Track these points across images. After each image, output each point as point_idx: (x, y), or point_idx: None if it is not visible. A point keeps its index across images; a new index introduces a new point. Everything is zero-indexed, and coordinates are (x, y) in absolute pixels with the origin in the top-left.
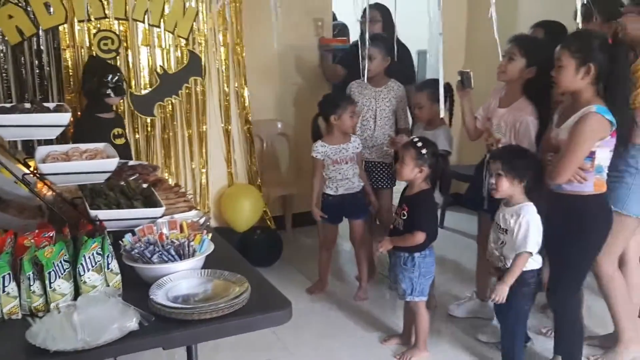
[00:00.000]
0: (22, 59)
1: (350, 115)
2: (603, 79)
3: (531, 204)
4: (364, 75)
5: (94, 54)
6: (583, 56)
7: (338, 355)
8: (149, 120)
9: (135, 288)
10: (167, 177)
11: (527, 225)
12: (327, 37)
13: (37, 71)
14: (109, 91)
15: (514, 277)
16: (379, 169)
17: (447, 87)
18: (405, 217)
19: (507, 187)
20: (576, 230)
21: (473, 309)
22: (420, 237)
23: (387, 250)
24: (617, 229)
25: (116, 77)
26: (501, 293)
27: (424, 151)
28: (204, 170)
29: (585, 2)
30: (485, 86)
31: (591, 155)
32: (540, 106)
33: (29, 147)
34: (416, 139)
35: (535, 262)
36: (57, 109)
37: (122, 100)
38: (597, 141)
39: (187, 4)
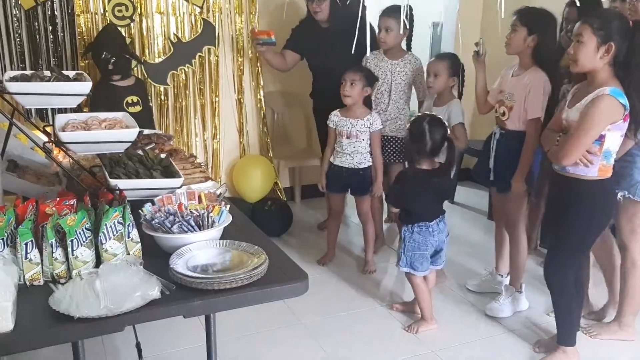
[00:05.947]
0: (36, 24)
1: (341, 83)
2: (619, 61)
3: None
4: (378, 48)
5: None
6: (605, 34)
7: (347, 325)
8: (162, 89)
9: (154, 257)
10: (180, 147)
11: None
12: (259, 30)
13: (51, 37)
14: (110, 67)
15: None
16: (391, 143)
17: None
18: None
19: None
20: (573, 214)
21: (490, 286)
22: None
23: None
24: (637, 218)
25: (114, 59)
26: None
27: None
28: (216, 141)
29: None
30: (503, 61)
31: (600, 139)
32: (551, 74)
33: (43, 115)
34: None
35: None
36: (76, 78)
37: (135, 68)
38: (608, 124)
39: None
